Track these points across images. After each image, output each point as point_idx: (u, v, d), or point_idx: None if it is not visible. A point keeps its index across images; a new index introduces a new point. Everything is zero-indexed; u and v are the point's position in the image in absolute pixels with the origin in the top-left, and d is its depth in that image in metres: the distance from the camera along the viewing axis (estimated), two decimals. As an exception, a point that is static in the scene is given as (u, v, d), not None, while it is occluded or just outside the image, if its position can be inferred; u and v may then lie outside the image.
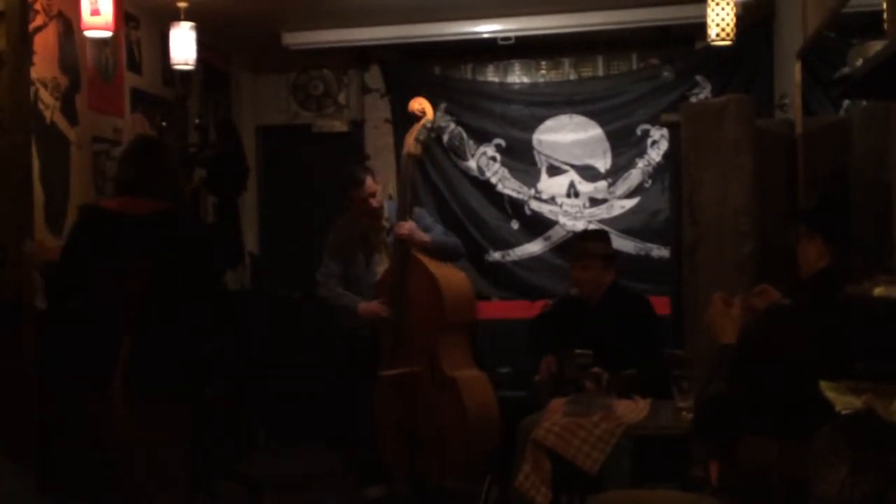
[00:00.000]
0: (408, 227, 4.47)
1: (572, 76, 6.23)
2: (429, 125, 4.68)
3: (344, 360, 4.98)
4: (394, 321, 4.43)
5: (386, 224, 4.75)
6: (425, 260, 4.43)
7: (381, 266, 4.69)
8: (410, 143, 4.60)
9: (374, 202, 4.68)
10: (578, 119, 5.96)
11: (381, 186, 4.97)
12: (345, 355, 4.96)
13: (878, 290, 2.11)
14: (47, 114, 4.37)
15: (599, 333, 3.92)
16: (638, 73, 6.08)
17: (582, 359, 3.71)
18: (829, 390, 2.04)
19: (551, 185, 5.99)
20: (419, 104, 4.65)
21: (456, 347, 4.42)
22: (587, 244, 4.23)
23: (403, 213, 4.55)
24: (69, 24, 4.53)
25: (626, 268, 4.90)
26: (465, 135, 6.08)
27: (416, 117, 4.65)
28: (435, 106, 6.04)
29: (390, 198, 5.43)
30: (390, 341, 4.45)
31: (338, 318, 4.86)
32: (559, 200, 5.97)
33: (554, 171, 6.00)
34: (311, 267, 4.92)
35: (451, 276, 4.48)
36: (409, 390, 4.36)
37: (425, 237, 4.53)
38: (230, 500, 4.51)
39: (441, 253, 4.56)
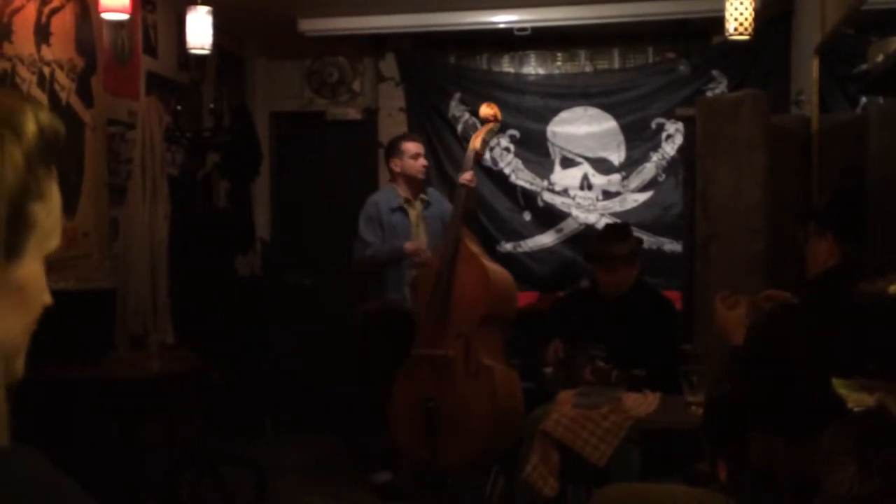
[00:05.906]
0: (470, 174, 4.75)
1: (588, 68, 6.21)
2: (496, 129, 5.05)
3: (359, 345, 5.00)
4: (437, 303, 4.47)
5: (423, 198, 4.99)
6: (476, 250, 4.56)
7: (419, 239, 4.87)
8: (478, 143, 4.88)
9: (420, 162, 4.97)
10: (593, 111, 5.93)
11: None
12: (360, 340, 4.98)
13: (894, 289, 2.11)
14: (63, 95, 4.38)
15: (616, 328, 3.89)
16: (654, 66, 6.04)
17: (595, 351, 3.69)
18: (841, 387, 2.04)
19: (564, 177, 5.96)
20: (491, 109, 4.91)
21: (491, 339, 4.48)
22: (609, 248, 4.18)
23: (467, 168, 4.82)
24: (86, 6, 4.54)
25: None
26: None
27: (486, 121, 4.93)
28: (449, 95, 6.08)
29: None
30: (431, 321, 4.48)
31: (352, 304, 4.87)
32: (572, 193, 5.94)
33: (567, 163, 5.97)
34: (323, 253, 4.92)
35: (499, 271, 4.61)
36: (438, 373, 4.37)
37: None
38: (236, 485, 4.53)
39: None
